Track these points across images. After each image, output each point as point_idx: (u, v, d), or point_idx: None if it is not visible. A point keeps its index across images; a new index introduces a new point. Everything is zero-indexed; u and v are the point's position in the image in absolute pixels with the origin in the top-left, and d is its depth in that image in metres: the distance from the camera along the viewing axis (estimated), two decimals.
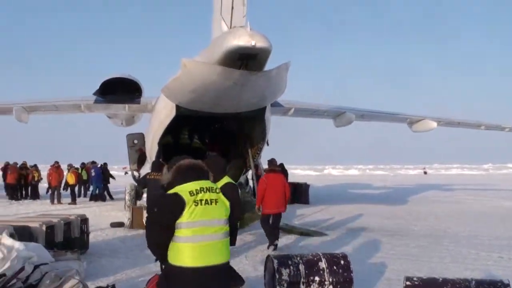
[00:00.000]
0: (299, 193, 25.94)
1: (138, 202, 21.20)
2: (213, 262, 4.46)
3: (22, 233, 9.28)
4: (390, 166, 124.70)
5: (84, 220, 11.92)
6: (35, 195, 29.11)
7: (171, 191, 4.54)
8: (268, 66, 10.26)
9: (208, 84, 10.71)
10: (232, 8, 10.08)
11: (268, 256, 7.87)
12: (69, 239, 11.08)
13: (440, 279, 6.14)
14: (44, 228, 10.04)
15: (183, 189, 4.51)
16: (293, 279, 7.32)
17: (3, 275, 6.48)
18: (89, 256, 11.15)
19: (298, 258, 7.57)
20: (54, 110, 21.50)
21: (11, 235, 8.82)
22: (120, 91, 20.87)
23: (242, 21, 9.80)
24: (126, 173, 76.08)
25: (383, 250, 12.26)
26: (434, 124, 23.12)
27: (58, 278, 6.31)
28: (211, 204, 4.52)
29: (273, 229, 12.14)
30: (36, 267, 6.70)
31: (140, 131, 23.43)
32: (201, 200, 4.48)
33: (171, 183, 4.69)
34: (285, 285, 7.29)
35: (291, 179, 27.27)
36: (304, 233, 14.60)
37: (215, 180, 6.40)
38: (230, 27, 9.95)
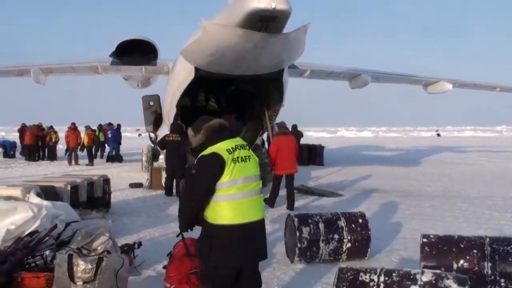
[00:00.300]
0: (314, 155, 26.20)
1: (155, 163, 21.57)
2: (254, 218, 4.58)
3: (48, 192, 9.58)
4: (403, 128, 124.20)
5: (106, 181, 12.24)
6: (53, 157, 29.59)
7: (207, 151, 4.56)
8: (286, 27, 10.37)
9: (228, 47, 10.82)
10: None
11: (288, 215, 8.13)
12: (92, 199, 11.42)
13: (456, 236, 6.36)
14: (68, 188, 10.35)
15: (220, 148, 4.53)
16: (313, 237, 7.59)
17: (36, 232, 6.79)
18: (111, 215, 11.48)
19: (318, 217, 7.82)
20: (71, 72, 21.68)
21: (38, 195, 9.15)
22: (136, 52, 20.97)
23: None
24: (139, 135, 76.84)
25: (397, 210, 12.53)
26: (450, 86, 23.05)
27: (89, 235, 6.60)
28: (246, 161, 4.59)
29: (289, 190, 12.54)
30: (67, 224, 7.01)
31: (155, 93, 23.70)
32: (238, 158, 4.53)
33: (204, 143, 4.68)
34: (305, 242, 7.56)
35: (305, 141, 27.52)
36: (320, 193, 14.89)
37: None
38: None
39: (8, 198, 8.46)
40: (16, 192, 8.81)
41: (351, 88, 22.01)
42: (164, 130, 19.31)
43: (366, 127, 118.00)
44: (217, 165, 4.48)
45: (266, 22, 9.79)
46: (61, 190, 10.15)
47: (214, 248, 4.53)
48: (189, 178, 4.80)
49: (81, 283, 5.19)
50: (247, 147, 4.78)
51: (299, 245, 7.55)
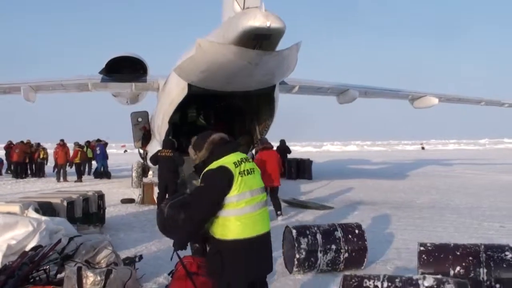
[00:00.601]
0: (303, 169, 26.44)
1: (145, 179, 21.63)
2: (262, 231, 4.58)
3: (45, 208, 9.70)
4: (388, 142, 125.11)
5: (100, 196, 12.36)
6: (41, 173, 29.49)
7: (213, 165, 4.53)
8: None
9: (222, 64, 11.01)
10: None
11: (286, 227, 8.28)
12: (87, 214, 11.53)
13: (452, 244, 6.57)
14: (65, 203, 10.47)
15: (227, 161, 4.50)
16: (311, 248, 7.76)
17: (40, 246, 6.88)
18: (106, 231, 11.57)
19: (316, 228, 8.00)
20: (61, 89, 21.72)
21: (36, 210, 9.25)
22: (125, 69, 21.08)
23: (257, 2, 10.05)
24: (125, 151, 76.61)
25: (389, 221, 12.74)
26: (436, 101, 23.44)
27: (93, 249, 6.71)
28: (252, 173, 4.57)
29: (274, 199, 13.40)
30: (70, 239, 7.10)
31: (143, 109, 23.84)
32: (244, 171, 4.49)
33: (208, 158, 4.64)
34: (304, 253, 7.72)
35: (291, 155, 27.75)
36: (312, 207, 15.08)
37: None
38: (243, 8, 10.21)
39: (7, 213, 8.55)
40: (15, 208, 8.91)
41: (339, 103, 22.30)
42: (154, 146, 19.39)
43: (351, 141, 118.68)
44: (225, 178, 4.42)
45: (260, 40, 10.00)
46: (57, 206, 10.26)
47: (225, 264, 4.48)
48: (196, 192, 4.68)
49: None
50: (250, 160, 4.75)
51: (297, 256, 7.71)
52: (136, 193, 18.65)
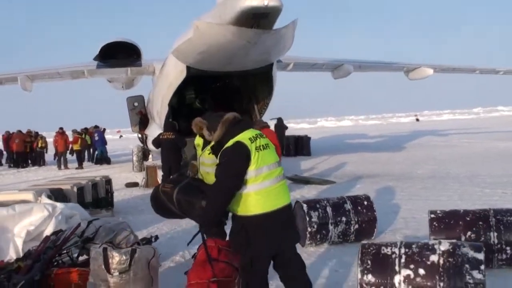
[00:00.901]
0: (301, 146, 26.67)
1: (147, 162, 21.77)
2: (283, 203, 4.68)
3: (56, 195, 9.87)
4: (382, 115, 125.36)
5: (108, 181, 12.51)
6: (42, 162, 29.59)
7: (230, 143, 4.64)
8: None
9: (221, 44, 11.10)
10: None
11: (297, 202, 8.45)
12: (97, 199, 11.71)
13: (462, 210, 6.77)
14: (75, 189, 10.63)
15: (243, 137, 4.60)
16: (322, 221, 7.96)
17: (60, 230, 7.04)
18: (116, 214, 11.75)
19: (325, 202, 8.20)
20: (57, 78, 21.76)
21: (49, 197, 9.42)
22: (119, 54, 21.08)
23: None
24: (120, 136, 76.62)
25: (392, 192, 12.97)
26: (430, 71, 23.60)
27: (112, 231, 6.87)
28: (267, 148, 4.67)
29: None
30: (89, 222, 7.26)
31: (138, 94, 23.94)
32: (260, 146, 4.60)
33: (223, 138, 4.75)
34: (315, 226, 7.92)
35: (288, 132, 27.92)
36: (315, 182, 15.28)
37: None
38: None
39: (21, 201, 8.72)
40: (28, 195, 9.10)
41: (334, 79, 22.42)
42: (153, 129, 19.50)
43: (345, 116, 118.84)
44: (244, 153, 4.54)
45: (258, 19, 10.08)
46: (68, 192, 10.41)
47: (250, 239, 4.62)
48: (219, 170, 4.71)
49: (117, 273, 5.46)
50: (264, 135, 4.86)
51: (309, 229, 7.91)
52: (138, 177, 18.80)
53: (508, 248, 6.22)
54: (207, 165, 6.13)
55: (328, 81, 23.05)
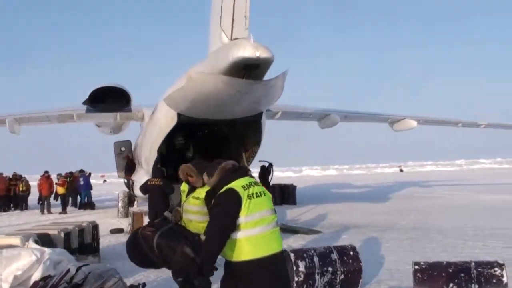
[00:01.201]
0: (287, 194, 26.79)
1: (132, 208, 21.69)
2: (274, 250, 4.80)
3: (43, 240, 9.85)
4: (366, 165, 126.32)
5: (95, 227, 12.52)
6: (24, 206, 29.29)
7: (223, 190, 4.81)
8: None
9: (212, 93, 11.39)
10: (233, 21, 10.77)
11: (284, 251, 8.52)
12: (83, 245, 11.68)
13: (445, 262, 6.95)
14: (62, 234, 10.63)
15: (236, 185, 4.77)
16: (309, 270, 8.05)
17: (49, 276, 7.07)
18: (102, 260, 11.71)
19: (312, 251, 8.31)
20: (46, 121, 21.89)
21: (36, 242, 9.42)
22: (108, 99, 21.30)
23: (245, 33, 10.47)
24: (104, 181, 76.26)
25: (377, 243, 13.10)
26: (414, 123, 24.14)
27: (101, 277, 6.91)
28: (261, 196, 4.81)
29: None
30: (78, 268, 7.28)
31: (126, 139, 24.06)
32: (253, 194, 4.76)
33: (218, 184, 4.92)
34: (302, 276, 8.01)
35: (275, 181, 28.08)
36: (302, 232, 15.38)
37: (199, 186, 6.30)
38: (231, 39, 10.64)
39: (9, 246, 8.72)
40: (16, 240, 9.09)
41: (321, 128, 22.82)
42: (141, 175, 19.55)
43: (330, 166, 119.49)
44: (235, 200, 4.71)
45: (249, 70, 10.42)
46: (55, 237, 10.41)
47: (239, 285, 4.74)
48: (212, 216, 4.87)
49: None
50: (259, 183, 5.04)
51: (296, 279, 7.98)
52: (123, 223, 18.76)
53: None
54: (191, 213, 6.27)
55: (309, 130, 23.43)
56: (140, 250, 5.75)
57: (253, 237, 4.74)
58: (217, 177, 5.00)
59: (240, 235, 4.73)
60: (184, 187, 6.58)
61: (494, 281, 6.50)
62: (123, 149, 23.51)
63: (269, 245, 4.79)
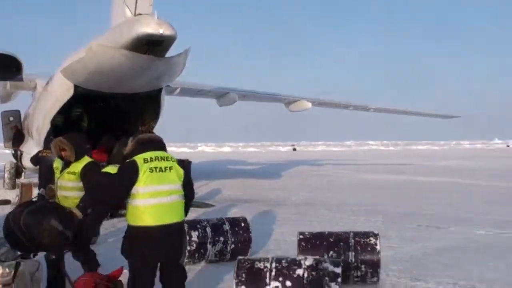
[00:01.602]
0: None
1: (20, 180, 20.97)
2: (170, 221, 5.16)
3: None
4: (261, 143, 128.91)
5: None
6: None
7: (127, 160, 5.21)
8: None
9: (113, 67, 11.37)
10: None
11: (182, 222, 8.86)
12: None
13: (326, 232, 7.60)
14: None
15: (139, 157, 5.16)
16: (202, 240, 8.45)
17: None
18: None
19: (205, 222, 8.72)
20: None
21: None
22: None
23: (149, 9, 10.55)
24: None
25: (268, 216, 13.75)
26: (309, 105, 25.17)
27: None
28: (165, 171, 5.18)
29: None
30: None
31: (15, 108, 23.06)
32: (155, 168, 5.12)
33: (129, 153, 5.26)
34: (195, 245, 8.40)
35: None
36: (193, 205, 15.66)
37: (73, 160, 6.61)
38: (135, 14, 10.67)
39: None
40: None
41: (219, 106, 23.20)
42: (31, 146, 18.98)
43: (225, 143, 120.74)
44: (131, 171, 5.11)
45: (152, 46, 10.52)
46: None
47: (133, 247, 5.16)
48: (109, 178, 5.59)
49: (0, 286, 5.57)
50: (172, 159, 5.38)
51: (189, 248, 8.35)
52: (10, 195, 18.14)
53: (363, 266, 7.08)
54: (66, 189, 6.41)
55: (208, 107, 23.81)
56: (11, 232, 5.80)
57: (148, 207, 5.10)
58: (130, 148, 5.34)
59: (138, 203, 5.09)
60: (58, 163, 6.68)
61: (369, 249, 7.20)
62: (11, 119, 22.53)
63: (165, 215, 5.15)
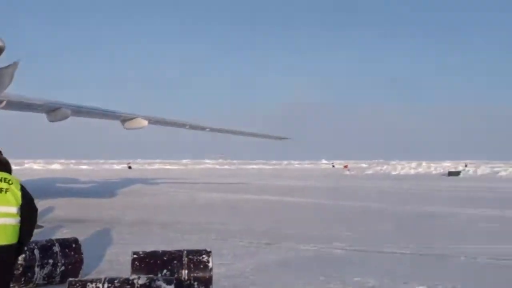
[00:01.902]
0: None
1: None
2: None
3: None
4: (95, 161, 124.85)
5: None
6: None
7: None
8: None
9: None
10: None
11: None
12: None
13: (160, 251, 7.67)
14: None
15: None
16: (28, 263, 8.03)
17: None
18: None
19: (33, 244, 8.28)
20: None
21: None
22: None
23: None
24: None
25: (100, 237, 13.45)
26: (145, 122, 25.05)
27: None
28: (0, 192, 5.20)
29: None
30: None
31: None
32: None
33: None
34: (21, 269, 7.95)
35: None
36: None
37: None
38: None
39: None
40: None
41: (50, 121, 22.15)
42: None
43: (55, 160, 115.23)
44: None
45: None
46: None
47: None
48: None
49: None
50: (10, 182, 5.36)
51: (14, 272, 7.89)
52: None
53: (196, 283, 7.27)
54: None
55: (35, 123, 22.75)
56: None
57: None
58: None
59: None
60: None
61: (201, 266, 7.41)
62: None
63: None
